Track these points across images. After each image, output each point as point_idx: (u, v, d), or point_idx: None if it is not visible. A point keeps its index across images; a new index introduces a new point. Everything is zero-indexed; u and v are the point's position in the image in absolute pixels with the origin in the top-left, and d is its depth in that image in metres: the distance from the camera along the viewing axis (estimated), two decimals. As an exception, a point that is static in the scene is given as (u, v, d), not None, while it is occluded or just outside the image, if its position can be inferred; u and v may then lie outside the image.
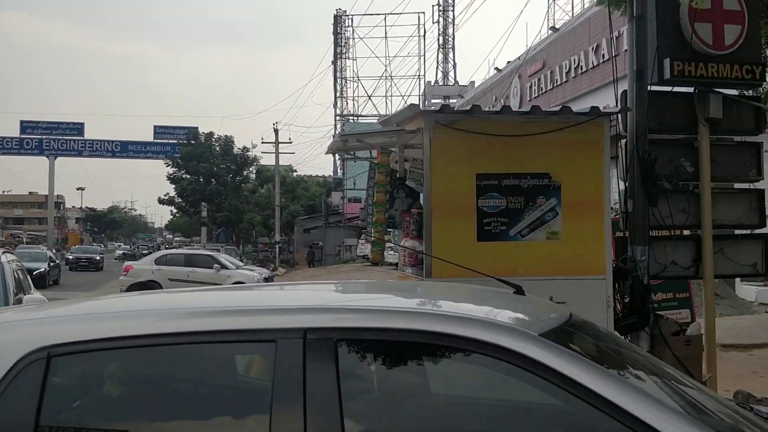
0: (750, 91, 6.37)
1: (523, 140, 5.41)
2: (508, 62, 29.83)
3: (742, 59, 5.74)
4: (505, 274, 4.32)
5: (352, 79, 61.07)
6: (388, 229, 6.64)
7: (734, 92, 6.02)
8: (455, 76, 57.58)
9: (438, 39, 58.64)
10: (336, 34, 60.55)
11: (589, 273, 5.45)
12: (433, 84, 53.40)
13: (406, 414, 2.15)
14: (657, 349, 5.51)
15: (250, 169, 56.21)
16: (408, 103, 6.15)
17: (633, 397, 1.89)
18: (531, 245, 5.40)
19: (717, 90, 5.82)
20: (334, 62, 60.59)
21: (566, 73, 23.21)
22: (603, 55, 20.31)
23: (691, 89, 5.84)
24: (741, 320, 12.97)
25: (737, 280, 15.78)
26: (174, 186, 54.11)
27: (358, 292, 2.99)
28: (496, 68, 32.01)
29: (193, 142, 53.92)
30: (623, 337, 5.55)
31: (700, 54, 5.65)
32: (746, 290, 16.71)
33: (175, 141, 57.45)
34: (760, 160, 6.07)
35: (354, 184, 46.96)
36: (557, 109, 5.57)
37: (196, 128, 56.79)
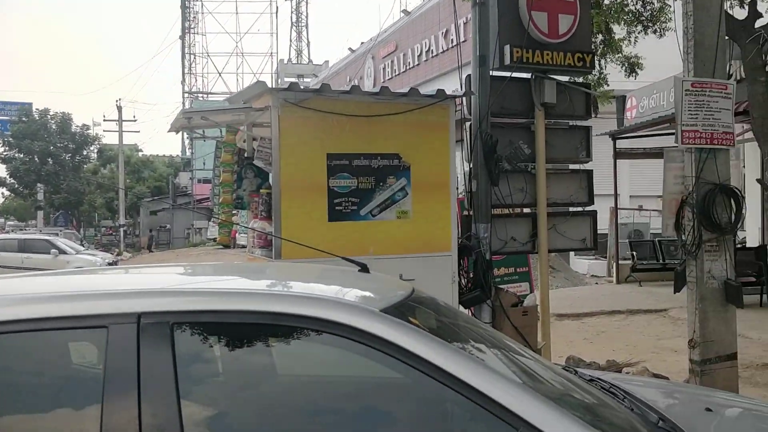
0: (581, 78, 6.81)
1: (374, 121, 5.47)
2: (362, 43, 30.05)
3: (574, 47, 6.13)
4: (357, 253, 4.38)
5: (201, 55, 58.81)
6: (236, 210, 6.47)
7: (567, 79, 6.42)
8: (309, 55, 57.25)
9: (291, 16, 57.94)
10: (184, 7, 57.98)
11: (436, 250, 5.65)
12: (286, 62, 52.59)
13: (250, 396, 2.11)
14: (498, 320, 5.82)
15: (91, 148, 52.94)
16: (259, 80, 6.00)
17: (469, 367, 1.96)
18: (382, 224, 5.49)
19: (552, 76, 6.18)
20: (182, 37, 58.01)
21: (418, 56, 23.77)
22: (452, 40, 20.95)
23: (529, 75, 6.17)
24: (575, 291, 13.97)
25: (572, 254, 17.01)
26: (5, 166, 49.95)
27: (200, 275, 2.89)
28: (350, 48, 32.18)
29: (25, 119, 49.89)
30: (467, 309, 5.80)
31: (537, 42, 5.97)
32: (580, 263, 18.05)
33: (7, 118, 52.91)
34: (590, 143, 6.55)
35: (204, 164, 45.39)
36: (405, 90, 5.67)
37: (30, 104, 52.63)
